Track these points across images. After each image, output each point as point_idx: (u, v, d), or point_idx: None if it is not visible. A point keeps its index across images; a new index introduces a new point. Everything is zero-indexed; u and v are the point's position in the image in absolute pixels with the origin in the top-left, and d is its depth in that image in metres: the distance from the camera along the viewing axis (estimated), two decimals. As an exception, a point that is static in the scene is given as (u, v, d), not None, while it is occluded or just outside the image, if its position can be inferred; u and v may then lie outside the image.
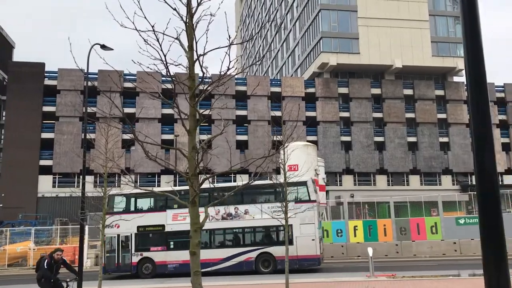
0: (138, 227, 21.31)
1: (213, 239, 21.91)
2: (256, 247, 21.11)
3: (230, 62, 4.21)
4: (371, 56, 54.43)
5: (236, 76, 62.45)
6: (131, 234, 21.68)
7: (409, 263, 22.55)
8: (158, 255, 21.64)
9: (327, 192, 46.57)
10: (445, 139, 56.30)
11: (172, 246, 21.79)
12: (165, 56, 4.23)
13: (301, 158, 30.95)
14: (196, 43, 4.20)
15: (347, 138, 54.81)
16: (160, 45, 4.26)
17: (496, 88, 57.47)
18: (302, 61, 62.24)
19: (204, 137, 44.97)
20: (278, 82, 55.73)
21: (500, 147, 55.64)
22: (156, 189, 27.05)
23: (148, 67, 4.59)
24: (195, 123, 4.17)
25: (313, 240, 20.58)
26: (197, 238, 4.07)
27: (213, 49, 4.32)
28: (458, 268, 17.40)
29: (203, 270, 20.41)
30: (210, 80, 5.57)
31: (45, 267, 10.80)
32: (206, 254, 21.09)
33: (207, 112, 4.15)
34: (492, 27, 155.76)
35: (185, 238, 22.41)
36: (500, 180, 55.73)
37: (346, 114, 55.32)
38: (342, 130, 55.17)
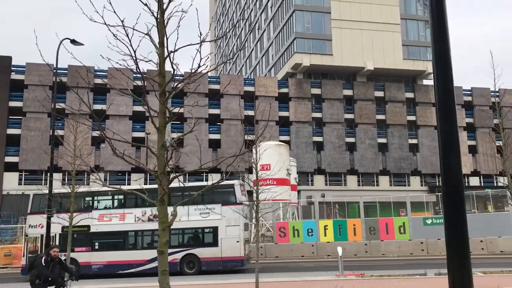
0: (63, 227, 20.75)
1: (139, 241, 21.91)
2: (181, 249, 21.17)
3: (201, 59, 4.16)
4: (343, 58, 55.09)
5: (209, 75, 62.21)
6: (55, 234, 21.19)
7: (378, 263, 22.91)
8: (83, 256, 21.41)
9: (298, 192, 46.92)
10: (414, 141, 57.50)
11: (97, 247, 21.72)
12: (134, 51, 4.15)
13: (274, 158, 31.11)
14: (167, 39, 4.14)
15: (319, 139, 55.33)
16: (130, 41, 4.19)
17: (463, 92, 59.01)
18: (276, 61, 62.47)
19: (175, 135, 44.82)
20: (252, 82, 55.78)
21: (466, 149, 57.15)
22: (124, 187, 26.58)
23: (117, 63, 4.50)
24: (164, 120, 4.11)
25: (237, 242, 20.90)
26: (165, 237, 4.01)
27: (184, 46, 4.27)
28: (425, 267, 17.81)
29: (127, 271, 20.12)
30: (181, 77, 5.51)
31: (43, 264, 9.80)
32: (131, 256, 21.07)
33: (177, 110, 4.09)
34: (462, 32, 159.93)
35: (110, 239, 22.44)
36: (466, 181, 57.29)
37: (318, 115, 55.83)
38: (314, 131, 55.65)
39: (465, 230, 3.50)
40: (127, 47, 4.17)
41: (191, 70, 4.27)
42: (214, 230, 21.16)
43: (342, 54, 55.04)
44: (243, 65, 79.41)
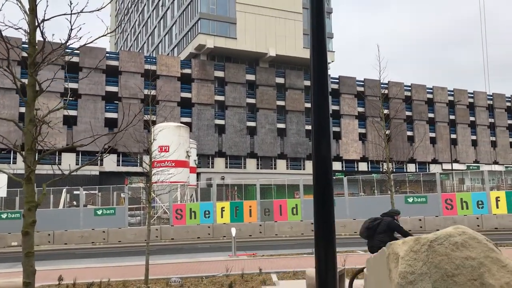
0: None
1: None
2: None
3: (71, 30, 3.87)
4: (247, 42, 55.63)
5: (108, 50, 59.11)
6: None
7: (271, 243, 23.74)
8: None
9: (198, 174, 46.94)
10: (310, 127, 60.06)
11: None
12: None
13: (173, 139, 30.68)
14: (36, 6, 3.77)
15: (221, 122, 55.62)
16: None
17: (357, 83, 62.83)
18: (179, 41, 61.26)
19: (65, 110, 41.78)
20: (154, 60, 54.18)
21: (357, 136, 61.18)
22: None
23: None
24: (34, 93, 3.81)
25: None
26: (31, 217, 3.75)
27: (57, 16, 3.93)
28: (313, 246, 18.81)
29: None
30: (72, 50, 5.12)
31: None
32: None
33: (49, 83, 3.80)
34: (354, 30, 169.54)
35: None
36: (355, 166, 61.45)
37: (221, 98, 55.99)
38: (216, 113, 55.78)
39: (331, 211, 3.71)
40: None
41: (68, 40, 3.97)
42: None
43: (246, 39, 55.52)
44: (145, 42, 76.71)
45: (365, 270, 3.08)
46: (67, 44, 3.96)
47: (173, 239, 27.34)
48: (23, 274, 3.77)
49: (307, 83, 60.64)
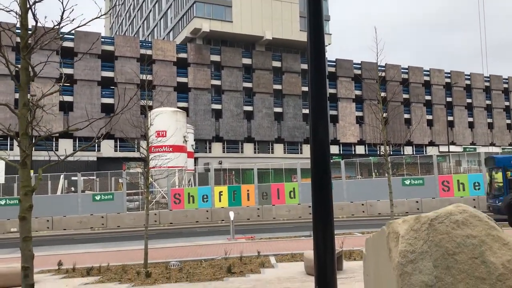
0: None
1: None
2: None
3: (63, 11, 3.79)
4: (243, 26, 55.14)
5: (103, 35, 58.57)
6: None
7: (269, 226, 23.89)
8: None
9: (196, 159, 46.96)
10: (307, 111, 59.88)
11: None
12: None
13: (170, 124, 30.61)
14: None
15: (218, 106, 55.44)
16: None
17: (354, 65, 62.55)
18: (174, 25, 60.70)
19: (62, 96, 41.51)
20: (149, 45, 53.72)
21: (354, 120, 61.13)
22: None
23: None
24: (27, 77, 3.76)
25: None
26: (28, 202, 3.73)
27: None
28: (311, 229, 18.92)
29: None
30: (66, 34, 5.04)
31: None
32: None
33: (42, 66, 3.74)
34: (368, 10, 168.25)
35: None
36: (353, 150, 61.57)
37: (217, 82, 55.72)
38: (213, 98, 55.57)
39: (329, 193, 3.70)
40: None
41: (60, 22, 3.90)
42: None
43: (242, 22, 55.04)
44: (140, 27, 75.98)
45: (364, 250, 3.08)
46: (60, 25, 3.89)
47: (171, 223, 27.47)
48: (21, 259, 3.78)
49: (304, 66, 60.30)
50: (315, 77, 3.75)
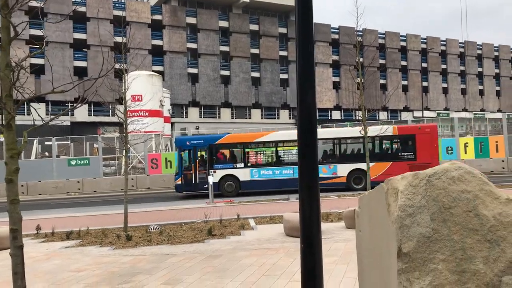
0: None
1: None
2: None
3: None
4: (220, -13, 53.87)
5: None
6: None
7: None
8: None
9: (172, 124, 46.61)
10: (285, 76, 59.86)
11: None
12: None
13: (146, 88, 30.13)
14: None
15: (194, 70, 54.71)
16: None
17: (332, 30, 62.22)
18: (149, -15, 58.84)
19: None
20: (123, 5, 52.05)
21: (331, 85, 61.34)
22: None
23: None
24: (8, 36, 3.64)
25: None
26: (14, 165, 3.69)
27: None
28: (289, 193, 19.18)
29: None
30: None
31: None
32: None
33: (24, 26, 3.61)
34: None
35: None
36: (329, 115, 62.05)
37: (193, 46, 54.76)
38: (189, 62, 54.73)
39: (315, 156, 3.77)
40: None
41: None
42: None
43: (219, -17, 53.71)
44: (113, -13, 73.31)
45: (356, 208, 3.19)
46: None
47: (149, 188, 27.53)
48: (10, 221, 3.76)
49: (282, 30, 59.71)
50: (303, 41, 3.72)
